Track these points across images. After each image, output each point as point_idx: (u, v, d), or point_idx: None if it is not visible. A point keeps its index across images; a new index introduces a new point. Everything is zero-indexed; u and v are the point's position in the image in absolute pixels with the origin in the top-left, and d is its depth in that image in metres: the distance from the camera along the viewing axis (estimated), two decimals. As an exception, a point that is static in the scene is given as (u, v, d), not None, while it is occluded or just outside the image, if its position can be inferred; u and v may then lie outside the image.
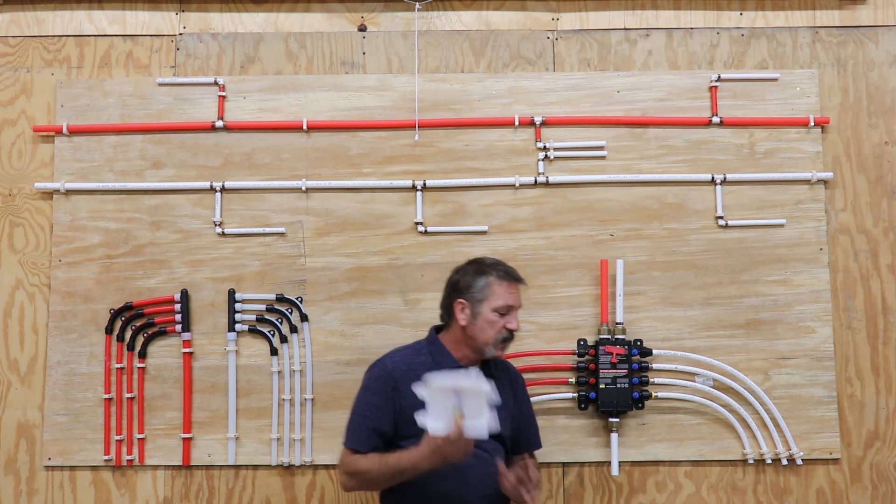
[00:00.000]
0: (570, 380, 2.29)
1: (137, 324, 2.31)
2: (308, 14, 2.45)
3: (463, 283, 1.90)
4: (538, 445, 2.05)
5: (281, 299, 2.32)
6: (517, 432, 1.97)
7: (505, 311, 1.87)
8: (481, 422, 1.65)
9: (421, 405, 1.70)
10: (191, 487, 2.30)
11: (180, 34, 2.44)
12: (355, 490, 1.88)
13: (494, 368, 1.96)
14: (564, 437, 2.29)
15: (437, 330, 1.96)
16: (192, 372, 2.30)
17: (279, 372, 2.30)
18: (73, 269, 2.34)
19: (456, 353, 1.89)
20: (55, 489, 2.30)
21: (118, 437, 2.28)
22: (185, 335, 2.30)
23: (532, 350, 2.30)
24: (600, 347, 2.25)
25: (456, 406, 1.65)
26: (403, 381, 1.83)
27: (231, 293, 2.31)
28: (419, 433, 1.73)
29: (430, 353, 1.89)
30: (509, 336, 1.89)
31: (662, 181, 2.35)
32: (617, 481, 2.30)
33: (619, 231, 2.35)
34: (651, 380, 2.27)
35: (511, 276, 1.91)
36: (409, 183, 2.34)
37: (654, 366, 2.29)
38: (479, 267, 1.91)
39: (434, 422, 1.67)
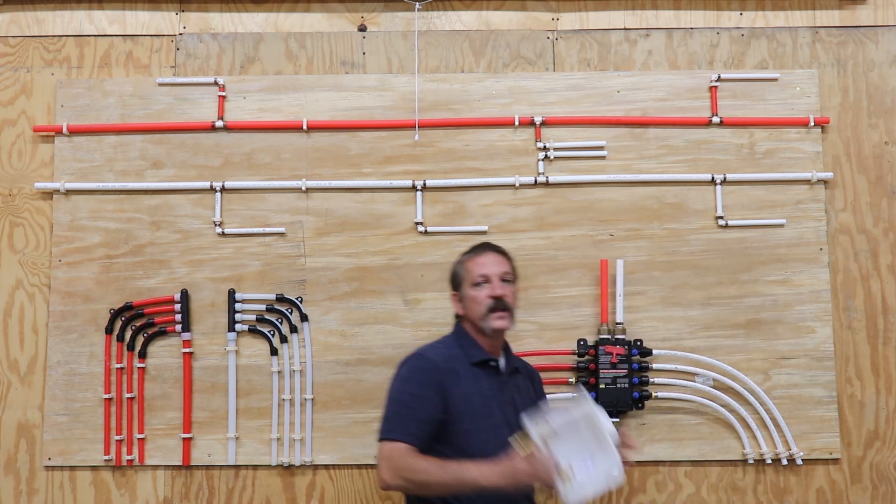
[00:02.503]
0: (570, 380, 2.29)
1: (137, 324, 2.31)
2: (308, 14, 2.45)
3: (451, 278, 1.99)
4: None
5: (281, 299, 2.32)
6: None
7: (481, 280, 1.89)
8: (602, 468, 1.59)
9: (464, 401, 1.70)
10: (191, 487, 2.30)
11: (180, 34, 2.44)
12: (398, 490, 1.77)
13: (515, 360, 1.99)
14: (564, 437, 2.29)
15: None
16: (192, 372, 2.30)
17: (279, 372, 2.30)
18: (73, 269, 2.34)
19: (479, 342, 1.90)
20: (55, 489, 2.30)
21: (118, 437, 2.28)
22: (185, 335, 2.30)
23: (532, 350, 2.30)
24: (600, 347, 2.25)
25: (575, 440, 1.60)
26: (447, 375, 1.80)
27: (231, 293, 2.31)
28: (458, 435, 1.73)
29: (461, 346, 1.88)
30: (497, 304, 1.86)
31: (662, 181, 2.35)
32: (617, 481, 2.30)
33: (619, 231, 2.35)
34: (651, 380, 2.27)
35: (479, 248, 1.96)
36: (409, 183, 2.34)
37: (654, 366, 2.29)
38: (459, 257, 1.99)
39: (565, 456, 1.60)
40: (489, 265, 1.91)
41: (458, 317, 1.96)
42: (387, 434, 1.75)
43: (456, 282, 1.96)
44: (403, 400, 1.78)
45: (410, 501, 1.86)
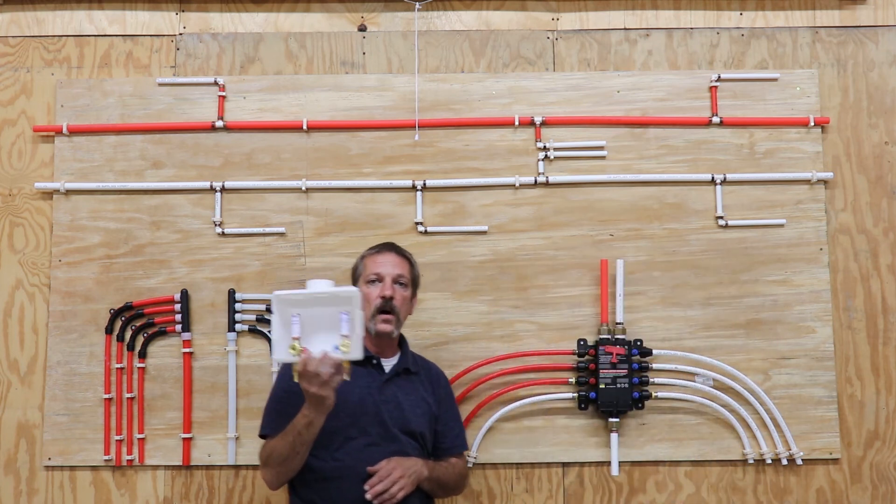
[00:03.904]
0: (570, 380, 2.29)
1: (137, 324, 2.31)
2: (308, 14, 2.45)
3: (351, 272, 2.01)
4: (462, 447, 2.01)
5: (281, 299, 2.32)
6: (439, 435, 1.95)
7: (375, 278, 1.90)
8: (323, 338, 1.59)
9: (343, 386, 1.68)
10: (191, 487, 2.30)
11: (180, 34, 2.44)
12: (275, 482, 1.81)
13: (413, 364, 1.96)
14: (564, 437, 2.29)
15: None
16: (192, 372, 2.30)
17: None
18: (73, 269, 2.34)
19: (367, 343, 1.87)
20: (55, 489, 2.30)
21: (118, 437, 2.28)
22: (185, 335, 2.30)
23: (532, 350, 2.30)
24: (600, 347, 2.25)
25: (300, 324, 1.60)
26: None
27: (231, 293, 2.31)
28: (325, 432, 1.72)
29: None
30: (384, 305, 1.87)
31: (662, 181, 2.35)
32: (617, 481, 2.30)
33: (619, 231, 2.35)
34: (651, 380, 2.27)
35: (381, 247, 1.98)
36: (409, 183, 2.34)
37: (654, 366, 2.29)
38: (363, 252, 2.01)
39: (277, 350, 1.61)
40: (385, 265, 1.92)
41: None
42: (259, 431, 1.86)
43: (354, 277, 1.98)
44: (275, 396, 1.86)
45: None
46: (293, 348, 1.60)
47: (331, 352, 1.60)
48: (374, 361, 1.90)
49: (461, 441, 2.01)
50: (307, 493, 1.81)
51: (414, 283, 1.99)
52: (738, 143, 2.37)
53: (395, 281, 1.91)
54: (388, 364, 1.93)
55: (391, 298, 1.88)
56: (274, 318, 1.63)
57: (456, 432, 2.00)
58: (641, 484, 2.30)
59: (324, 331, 1.61)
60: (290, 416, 1.73)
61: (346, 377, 1.63)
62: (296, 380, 1.62)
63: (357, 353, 1.62)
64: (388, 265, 1.93)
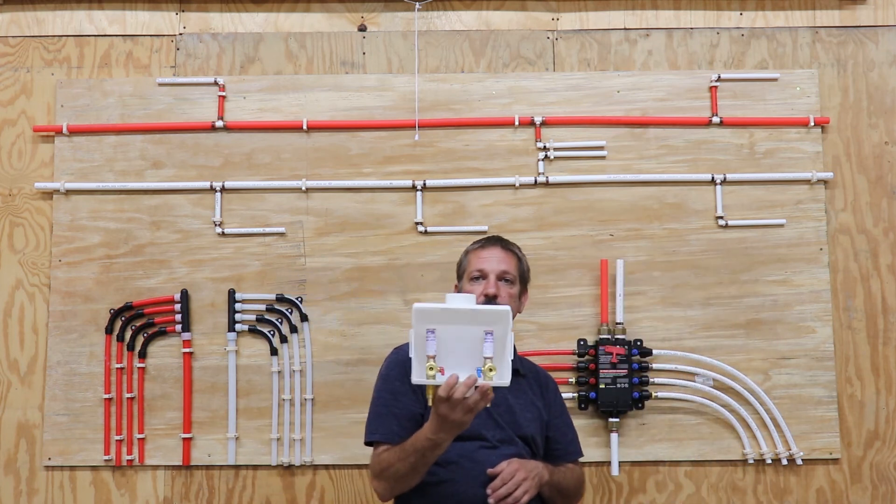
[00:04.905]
0: (570, 380, 2.29)
1: (137, 324, 2.31)
2: (308, 14, 2.45)
3: (457, 267, 1.91)
4: (578, 454, 1.90)
5: (281, 299, 2.32)
6: (552, 441, 1.85)
7: (478, 275, 1.79)
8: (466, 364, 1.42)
9: None
10: (191, 487, 2.30)
11: (180, 34, 2.44)
12: (388, 495, 1.68)
13: (521, 366, 1.87)
14: (564, 437, 2.28)
15: None
16: (192, 372, 2.30)
17: (279, 372, 2.30)
18: (73, 269, 2.34)
19: None
20: (55, 489, 2.30)
21: (118, 437, 2.28)
22: (185, 335, 2.30)
23: (532, 350, 2.30)
24: (600, 347, 2.25)
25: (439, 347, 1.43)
26: None
27: (231, 293, 2.31)
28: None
29: None
30: (487, 303, 1.73)
31: (662, 181, 2.35)
32: (617, 481, 2.30)
33: (619, 231, 2.35)
34: (651, 380, 2.27)
35: (486, 241, 1.86)
36: (409, 183, 2.35)
37: (654, 366, 2.29)
38: (468, 246, 1.90)
39: (416, 373, 1.44)
40: (489, 261, 1.80)
41: None
42: (367, 437, 1.72)
43: (459, 272, 1.89)
44: (382, 398, 1.72)
45: None
46: (430, 368, 1.43)
47: (474, 375, 1.44)
48: None
49: (576, 447, 1.90)
50: (418, 498, 1.69)
51: (522, 278, 1.85)
52: (738, 143, 2.37)
53: (500, 278, 1.78)
54: None
55: (495, 297, 1.75)
56: (412, 333, 1.45)
57: (570, 438, 1.89)
58: (641, 484, 2.30)
59: (463, 350, 1.45)
60: (399, 419, 1.66)
61: (488, 404, 1.47)
62: (430, 404, 1.47)
63: (505, 379, 1.45)
64: (493, 261, 1.80)
